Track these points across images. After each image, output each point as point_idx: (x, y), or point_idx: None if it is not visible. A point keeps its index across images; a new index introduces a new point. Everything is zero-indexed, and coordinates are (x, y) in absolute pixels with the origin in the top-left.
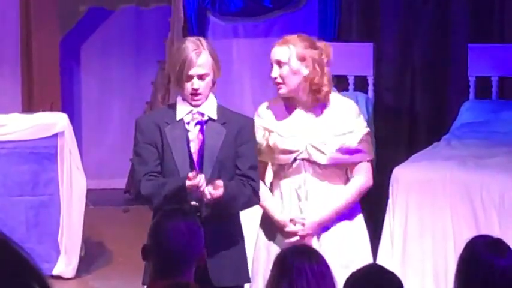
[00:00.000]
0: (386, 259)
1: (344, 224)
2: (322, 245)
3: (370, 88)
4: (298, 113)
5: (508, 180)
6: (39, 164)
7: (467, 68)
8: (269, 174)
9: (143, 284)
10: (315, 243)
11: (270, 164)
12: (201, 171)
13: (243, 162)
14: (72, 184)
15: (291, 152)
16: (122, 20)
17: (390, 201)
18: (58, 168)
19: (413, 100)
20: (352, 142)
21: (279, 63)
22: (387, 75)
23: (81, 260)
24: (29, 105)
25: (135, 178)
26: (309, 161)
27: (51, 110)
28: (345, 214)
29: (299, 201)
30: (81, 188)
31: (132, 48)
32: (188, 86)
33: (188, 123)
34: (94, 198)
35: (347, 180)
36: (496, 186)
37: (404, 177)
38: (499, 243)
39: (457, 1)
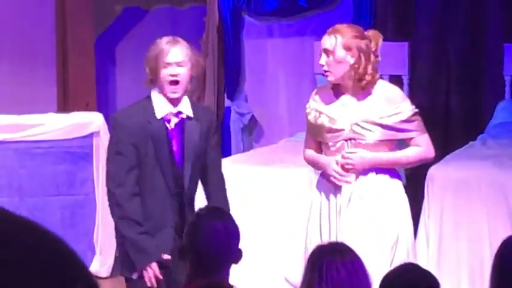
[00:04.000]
0: (422, 259)
1: (385, 181)
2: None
3: (405, 88)
4: (344, 97)
5: None
6: (75, 164)
7: (503, 68)
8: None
9: (121, 275)
10: (350, 187)
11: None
12: (182, 167)
13: (216, 156)
14: None
15: (336, 130)
16: (157, 19)
17: (425, 201)
18: (93, 168)
19: (448, 100)
20: (398, 121)
21: (326, 52)
22: (422, 75)
23: (116, 259)
24: (65, 105)
25: (115, 179)
26: (352, 140)
27: (86, 109)
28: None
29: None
30: None
31: None
32: (166, 74)
33: (168, 121)
34: None
35: None
36: None
37: (440, 177)
38: None
39: (492, 2)
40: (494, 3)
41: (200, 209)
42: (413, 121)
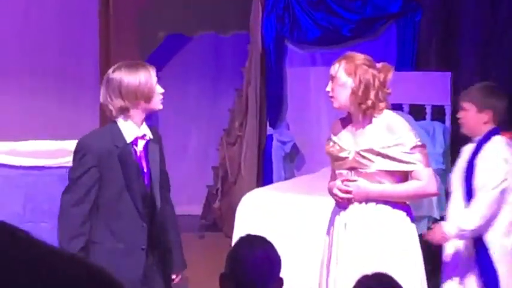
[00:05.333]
0: None
1: (389, 215)
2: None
3: (448, 118)
4: (351, 127)
5: None
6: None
7: None
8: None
9: None
10: (353, 211)
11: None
12: (150, 188)
13: (165, 178)
14: None
15: (342, 159)
16: (200, 46)
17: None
18: None
19: None
20: (399, 152)
21: (332, 78)
22: None
23: None
24: None
25: (72, 196)
26: (354, 170)
27: None
28: (395, 206)
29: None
30: None
31: (210, 75)
32: (158, 92)
33: (136, 144)
34: None
35: None
36: None
37: None
38: None
39: None
40: None
41: (241, 237)
42: (416, 153)
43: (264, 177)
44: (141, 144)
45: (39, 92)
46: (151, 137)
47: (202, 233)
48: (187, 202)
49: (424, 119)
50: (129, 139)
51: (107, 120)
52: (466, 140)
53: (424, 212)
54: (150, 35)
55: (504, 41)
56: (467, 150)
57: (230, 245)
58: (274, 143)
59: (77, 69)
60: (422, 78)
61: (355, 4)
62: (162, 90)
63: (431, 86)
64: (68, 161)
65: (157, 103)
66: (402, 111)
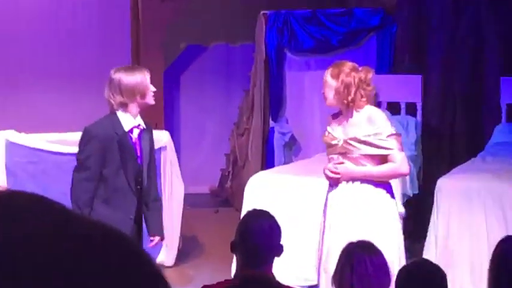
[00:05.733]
0: (432, 255)
1: (370, 191)
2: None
3: (419, 113)
4: (340, 119)
5: None
6: None
7: (500, 97)
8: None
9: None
10: (342, 189)
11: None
12: (142, 170)
13: (153, 162)
14: (173, 190)
15: (332, 146)
16: (214, 55)
17: (435, 206)
18: (161, 177)
19: (454, 123)
20: (379, 140)
21: (324, 82)
22: (433, 103)
23: (179, 251)
24: None
25: (81, 175)
26: (343, 155)
27: (155, 129)
28: (375, 184)
29: None
30: (179, 193)
31: (222, 78)
32: (151, 90)
33: (132, 132)
34: (190, 201)
35: None
36: None
37: (447, 187)
38: None
39: (492, 42)
40: (493, 44)
41: (248, 211)
42: (391, 140)
43: (267, 162)
44: (136, 132)
45: (83, 92)
46: (145, 127)
47: (216, 208)
48: (203, 183)
49: (399, 114)
50: (126, 128)
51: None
52: (434, 132)
53: (400, 191)
54: (173, 45)
55: (464, 50)
56: None
57: (239, 218)
58: (276, 134)
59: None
60: (397, 80)
61: (342, 19)
62: (154, 89)
63: (405, 86)
64: None
65: (150, 99)
66: (380, 107)
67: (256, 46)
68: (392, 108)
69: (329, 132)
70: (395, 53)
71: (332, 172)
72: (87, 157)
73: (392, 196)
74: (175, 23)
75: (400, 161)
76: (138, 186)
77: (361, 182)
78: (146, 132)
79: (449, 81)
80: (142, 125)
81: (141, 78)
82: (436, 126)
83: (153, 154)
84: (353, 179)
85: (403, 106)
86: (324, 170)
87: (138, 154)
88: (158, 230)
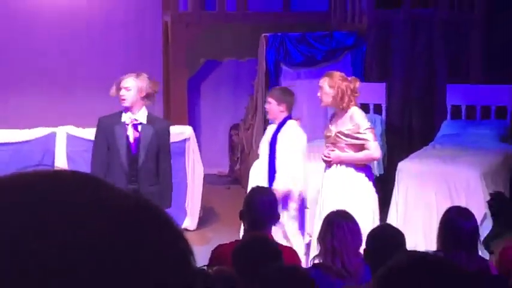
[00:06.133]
0: (393, 221)
1: (352, 172)
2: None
3: (383, 113)
4: (334, 117)
5: (472, 172)
6: (174, 159)
7: (446, 99)
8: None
9: None
10: (332, 171)
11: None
12: (137, 156)
13: (164, 157)
14: (195, 171)
15: (328, 137)
16: (227, 68)
17: (396, 184)
18: (186, 161)
19: (411, 120)
20: (356, 132)
21: (320, 87)
22: (394, 104)
23: (200, 219)
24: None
25: (93, 154)
26: (334, 144)
27: (181, 124)
28: (355, 167)
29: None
30: (200, 174)
31: (233, 86)
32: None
33: (127, 124)
34: (208, 180)
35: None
36: (463, 175)
37: (405, 168)
38: (466, 211)
39: (441, 58)
40: (442, 59)
41: (253, 188)
42: (367, 133)
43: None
44: (130, 124)
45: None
46: (144, 122)
47: (228, 185)
48: (219, 166)
49: (369, 113)
50: (122, 120)
51: (168, 118)
52: (395, 127)
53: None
54: (194, 60)
55: (419, 64)
56: None
57: (246, 193)
58: None
59: None
60: (367, 86)
61: (325, 40)
62: (120, 93)
63: (373, 91)
64: None
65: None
66: None
67: (258, 61)
68: (363, 109)
69: (328, 127)
70: (365, 66)
71: (326, 156)
72: (97, 142)
73: (371, 178)
74: (196, 43)
75: (374, 149)
76: (132, 167)
77: (346, 166)
78: (149, 126)
79: (407, 87)
80: (141, 120)
81: (119, 79)
82: (397, 124)
83: (166, 149)
84: (340, 163)
85: (371, 107)
86: (321, 156)
87: (131, 141)
88: (167, 203)
